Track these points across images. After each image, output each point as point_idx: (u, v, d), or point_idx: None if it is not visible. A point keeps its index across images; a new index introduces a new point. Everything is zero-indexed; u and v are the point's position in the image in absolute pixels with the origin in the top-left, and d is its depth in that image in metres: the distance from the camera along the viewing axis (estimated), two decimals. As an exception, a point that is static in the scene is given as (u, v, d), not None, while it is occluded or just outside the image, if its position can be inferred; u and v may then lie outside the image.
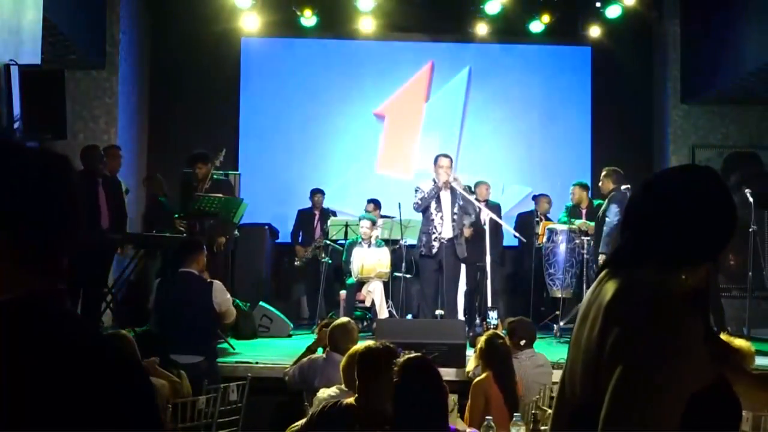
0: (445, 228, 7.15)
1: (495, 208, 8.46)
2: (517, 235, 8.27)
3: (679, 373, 1.36)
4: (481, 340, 4.53)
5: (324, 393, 3.89)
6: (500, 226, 8.09)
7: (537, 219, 8.98)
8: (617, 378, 1.37)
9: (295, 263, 9.15)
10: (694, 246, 1.51)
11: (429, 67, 10.34)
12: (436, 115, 10.36)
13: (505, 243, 9.40)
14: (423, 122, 10.36)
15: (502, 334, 4.87)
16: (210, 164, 7.26)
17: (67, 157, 1.17)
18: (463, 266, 7.62)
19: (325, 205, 9.46)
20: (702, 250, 1.52)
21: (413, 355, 2.89)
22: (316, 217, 9.20)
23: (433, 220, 7.17)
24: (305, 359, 4.87)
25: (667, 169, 1.69)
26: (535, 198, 9.26)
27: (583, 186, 8.71)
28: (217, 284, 5.30)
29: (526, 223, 9.01)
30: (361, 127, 10.30)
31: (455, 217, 7.16)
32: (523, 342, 4.88)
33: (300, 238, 9.27)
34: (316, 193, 9.31)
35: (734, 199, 1.56)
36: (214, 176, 7.35)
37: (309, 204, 9.47)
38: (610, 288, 1.51)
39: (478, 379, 4.29)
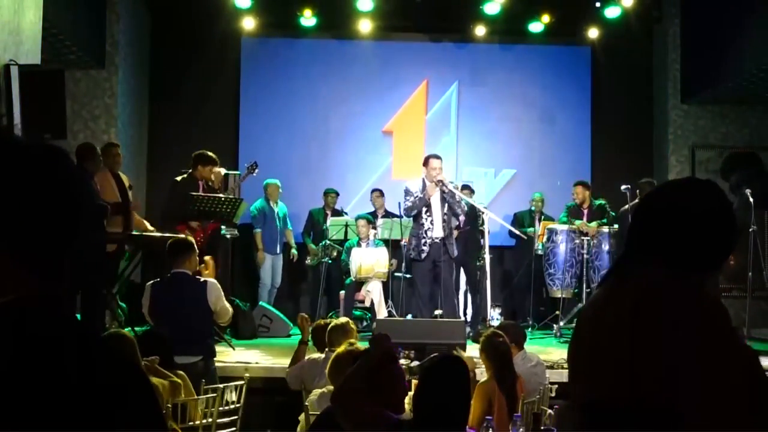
0: (435, 228, 7.17)
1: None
2: (519, 232, 8.28)
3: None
4: (481, 340, 4.51)
5: (314, 394, 3.89)
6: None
7: (533, 216, 9.04)
8: (703, 375, 1.45)
9: (307, 262, 9.14)
10: (699, 255, 1.60)
11: (425, 84, 10.37)
12: (437, 124, 10.40)
13: (502, 243, 9.41)
14: (426, 132, 10.38)
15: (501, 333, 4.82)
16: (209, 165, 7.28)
17: (63, 152, 1.12)
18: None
19: (352, 208, 9.56)
20: (706, 260, 1.61)
21: (446, 353, 2.89)
22: (329, 217, 9.19)
23: (423, 223, 7.20)
24: (306, 360, 4.87)
25: (674, 181, 1.78)
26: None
27: (586, 185, 8.71)
28: (212, 283, 5.30)
29: (522, 221, 9.02)
30: (362, 127, 10.30)
31: (445, 217, 7.17)
32: (512, 345, 4.84)
33: (311, 237, 9.26)
34: (330, 193, 9.31)
35: (734, 215, 1.66)
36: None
37: (310, 204, 9.48)
38: (628, 291, 1.56)
39: (482, 381, 4.26)
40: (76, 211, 1.10)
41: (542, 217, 9.05)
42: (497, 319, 6.18)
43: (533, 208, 9.19)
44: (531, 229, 8.77)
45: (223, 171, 7.69)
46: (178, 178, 7.33)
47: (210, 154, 7.30)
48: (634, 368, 1.48)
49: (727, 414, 1.44)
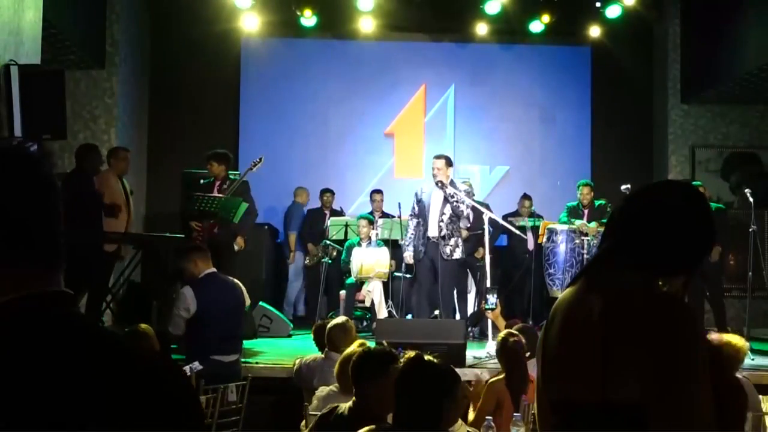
0: (431, 228, 7.17)
1: (484, 207, 8.46)
2: (519, 232, 8.27)
3: (706, 364, 1.51)
4: (497, 341, 4.44)
5: (323, 391, 3.89)
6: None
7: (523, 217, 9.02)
8: (668, 376, 1.46)
9: (305, 262, 9.14)
10: (670, 258, 1.60)
11: (423, 88, 10.38)
12: (436, 126, 10.42)
13: (499, 242, 9.38)
14: (426, 133, 10.39)
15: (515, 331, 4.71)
16: (223, 165, 7.25)
17: (26, 152, 1.09)
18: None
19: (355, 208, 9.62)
20: (676, 262, 1.62)
21: (412, 353, 2.85)
22: (327, 217, 9.18)
23: (424, 223, 7.22)
24: (308, 357, 4.88)
25: (651, 184, 1.77)
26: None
27: (591, 186, 8.71)
28: (241, 285, 5.42)
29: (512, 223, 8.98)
30: (363, 128, 10.30)
31: (443, 217, 7.17)
32: (528, 354, 4.81)
33: (310, 237, 9.26)
34: (326, 192, 9.30)
35: (711, 218, 1.65)
36: (230, 176, 7.33)
37: (309, 204, 9.48)
38: (599, 293, 1.57)
39: (493, 379, 4.22)
40: (52, 205, 1.08)
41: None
42: (493, 303, 6.04)
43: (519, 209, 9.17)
44: (523, 222, 8.74)
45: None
46: (201, 181, 7.35)
47: (211, 151, 7.28)
48: (604, 370, 1.49)
49: (695, 416, 1.45)
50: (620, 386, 1.47)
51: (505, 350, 4.23)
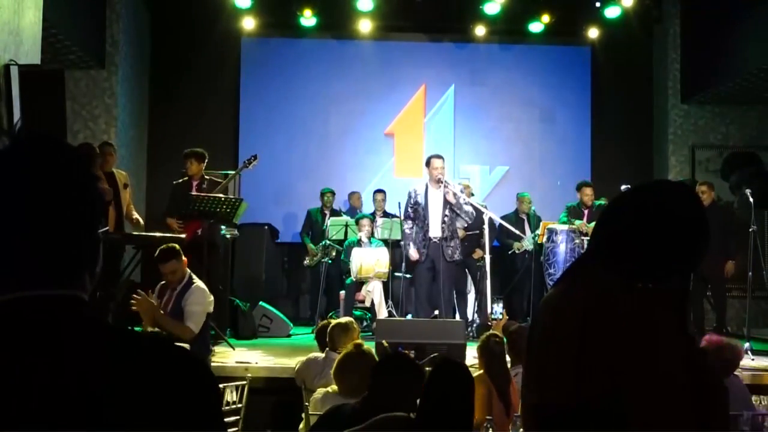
0: (432, 228, 7.16)
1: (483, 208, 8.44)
2: (517, 232, 8.28)
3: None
4: (480, 339, 4.52)
5: (319, 393, 3.89)
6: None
7: (521, 217, 8.98)
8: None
9: (305, 262, 9.12)
10: (648, 263, 1.55)
11: (423, 88, 10.38)
12: (436, 126, 10.43)
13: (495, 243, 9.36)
14: (425, 133, 10.39)
15: (499, 333, 4.79)
16: (201, 163, 7.21)
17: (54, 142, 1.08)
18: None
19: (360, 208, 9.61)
20: (656, 268, 1.56)
21: (448, 359, 2.88)
22: (327, 217, 9.18)
23: (423, 223, 7.21)
24: (309, 356, 4.88)
25: (639, 185, 1.70)
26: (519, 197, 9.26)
27: (593, 186, 8.71)
28: None
29: (510, 223, 8.94)
30: (362, 127, 10.30)
31: (445, 218, 7.16)
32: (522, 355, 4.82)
33: (310, 237, 9.25)
34: (326, 193, 9.30)
35: (694, 221, 1.56)
36: (206, 176, 7.30)
37: (309, 204, 9.48)
38: (581, 296, 1.56)
39: (477, 373, 4.28)
40: (46, 206, 1.04)
41: (532, 218, 8.97)
42: (499, 313, 6.10)
43: (525, 211, 9.08)
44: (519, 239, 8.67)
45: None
46: (175, 182, 7.33)
47: (191, 150, 7.23)
48: (582, 374, 1.49)
49: (673, 420, 1.45)
50: (597, 390, 1.46)
51: (485, 350, 4.30)
